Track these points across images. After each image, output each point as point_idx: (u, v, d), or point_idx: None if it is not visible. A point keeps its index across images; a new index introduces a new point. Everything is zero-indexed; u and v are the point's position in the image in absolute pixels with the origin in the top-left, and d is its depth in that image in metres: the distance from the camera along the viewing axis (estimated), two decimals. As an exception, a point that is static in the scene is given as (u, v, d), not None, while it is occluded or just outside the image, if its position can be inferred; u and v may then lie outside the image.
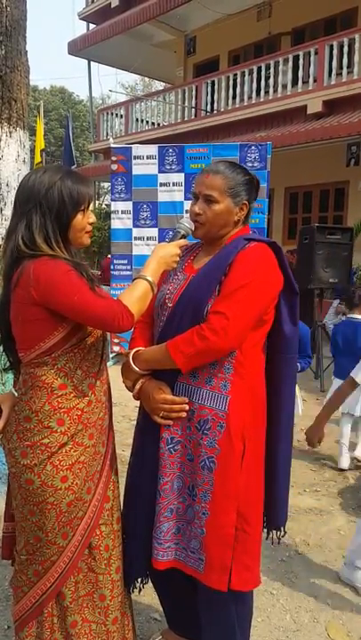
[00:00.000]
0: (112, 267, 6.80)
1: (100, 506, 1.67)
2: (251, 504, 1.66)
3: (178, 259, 1.73)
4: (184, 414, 1.64)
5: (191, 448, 1.64)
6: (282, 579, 2.62)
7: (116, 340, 6.44)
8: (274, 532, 1.88)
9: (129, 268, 6.84)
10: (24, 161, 3.07)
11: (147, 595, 2.16)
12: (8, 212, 2.91)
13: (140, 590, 1.82)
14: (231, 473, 1.60)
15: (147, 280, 1.61)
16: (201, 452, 1.61)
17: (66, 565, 1.62)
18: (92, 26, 15.40)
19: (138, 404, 1.80)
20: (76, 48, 15.16)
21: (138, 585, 1.80)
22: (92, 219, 1.66)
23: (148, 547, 1.70)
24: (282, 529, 1.87)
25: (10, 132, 2.93)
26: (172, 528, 1.68)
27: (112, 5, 14.29)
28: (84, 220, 1.63)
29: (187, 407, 1.63)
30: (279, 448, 1.78)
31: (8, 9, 2.85)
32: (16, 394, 1.67)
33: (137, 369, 1.69)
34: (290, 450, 1.83)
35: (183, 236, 1.77)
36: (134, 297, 1.57)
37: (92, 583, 1.68)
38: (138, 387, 1.71)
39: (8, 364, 1.74)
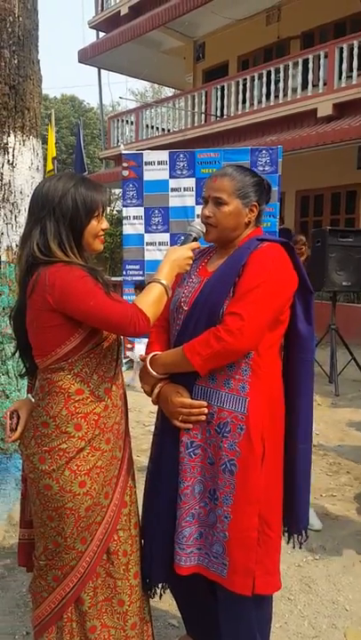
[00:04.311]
0: (124, 272, 6.84)
1: (117, 511, 1.67)
2: (272, 507, 1.66)
3: (191, 261, 1.73)
4: (203, 417, 1.63)
5: (211, 451, 1.64)
6: (299, 584, 2.60)
7: (128, 346, 6.46)
8: (295, 536, 1.86)
9: (141, 273, 6.87)
10: (37, 169, 3.10)
11: (164, 600, 2.15)
12: (22, 219, 2.94)
13: (160, 596, 1.82)
14: (252, 475, 1.59)
15: (161, 283, 1.62)
16: (222, 455, 1.61)
17: (85, 570, 1.62)
18: (101, 34, 15.53)
19: (152, 410, 1.80)
20: (87, 56, 15.29)
21: (159, 590, 1.79)
22: (105, 225, 1.68)
23: (169, 552, 1.70)
24: (303, 533, 1.86)
25: (23, 141, 2.96)
26: (193, 533, 1.68)
27: (121, 13, 14.42)
28: (98, 227, 1.64)
29: (206, 410, 1.63)
30: (298, 450, 1.77)
31: (20, 19, 2.89)
32: (33, 399, 1.68)
33: (154, 373, 1.70)
34: (310, 451, 1.81)
35: (195, 239, 1.78)
36: (149, 301, 1.57)
37: (111, 588, 1.68)
38: (156, 391, 1.71)
39: (24, 370, 1.76)
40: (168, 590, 1.89)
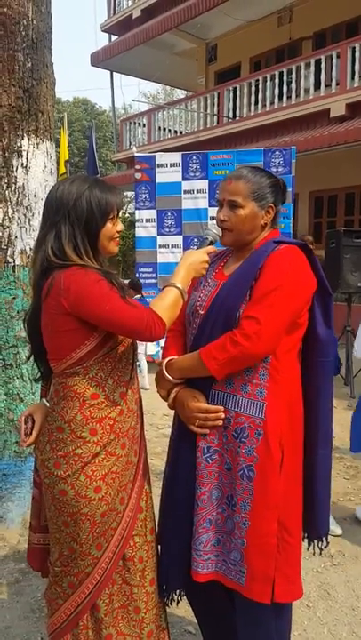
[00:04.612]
0: (137, 274, 6.83)
1: (133, 516, 1.65)
2: (291, 513, 1.62)
3: (207, 265, 1.71)
4: (220, 423, 1.61)
5: (229, 457, 1.61)
6: (318, 590, 2.56)
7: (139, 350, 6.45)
8: (315, 542, 1.82)
9: (154, 275, 6.87)
10: (51, 172, 3.10)
11: (180, 606, 2.13)
12: (36, 222, 2.94)
13: (177, 603, 1.79)
14: (271, 481, 1.56)
15: (177, 287, 1.60)
16: (239, 460, 1.58)
17: (100, 577, 1.60)
18: (114, 37, 15.60)
19: (166, 412, 1.77)
20: (99, 59, 15.37)
21: (176, 597, 1.77)
22: (120, 226, 1.66)
23: (186, 558, 1.67)
24: (324, 539, 1.82)
25: (37, 144, 2.96)
26: (211, 539, 1.65)
27: (133, 16, 14.47)
28: (113, 229, 1.63)
29: (223, 415, 1.60)
30: (318, 454, 1.73)
31: (34, 22, 2.89)
32: (47, 404, 1.67)
33: (171, 378, 1.68)
34: (330, 456, 1.77)
35: (211, 243, 1.75)
36: (165, 305, 1.55)
37: (127, 595, 1.66)
38: (172, 396, 1.69)
39: (39, 374, 1.74)
40: (184, 596, 1.87)
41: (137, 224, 6.79)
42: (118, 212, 1.64)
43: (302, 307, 1.63)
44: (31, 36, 2.87)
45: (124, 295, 1.52)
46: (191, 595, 1.85)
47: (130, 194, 17.91)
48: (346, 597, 2.52)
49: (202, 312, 1.70)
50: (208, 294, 1.72)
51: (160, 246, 6.78)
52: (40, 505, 1.78)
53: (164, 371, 1.69)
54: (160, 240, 6.79)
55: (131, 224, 11.53)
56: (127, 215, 15.50)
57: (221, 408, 1.61)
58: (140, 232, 6.81)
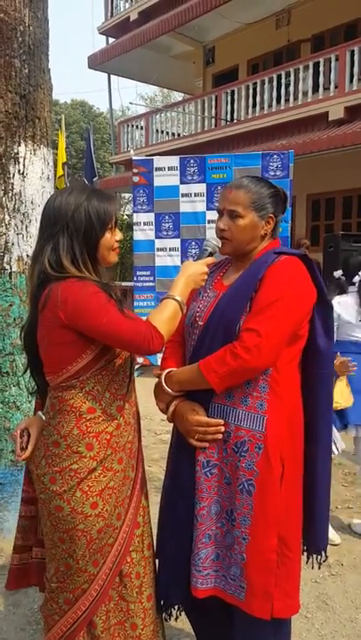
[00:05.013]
0: (135, 278, 6.81)
1: (130, 532, 1.63)
2: (291, 527, 1.61)
3: (206, 277, 1.69)
4: (220, 436, 1.59)
5: (229, 471, 1.59)
6: (316, 601, 2.54)
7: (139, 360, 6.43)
8: (314, 556, 1.81)
9: (152, 279, 6.84)
10: (48, 178, 3.07)
11: (178, 620, 2.10)
12: (33, 229, 2.91)
13: (176, 618, 1.77)
14: (271, 496, 1.54)
15: (175, 300, 1.58)
16: (239, 474, 1.56)
17: (97, 593, 1.58)
18: (111, 40, 15.57)
19: (163, 417, 1.75)
20: (96, 62, 15.34)
21: (175, 612, 1.74)
22: (120, 236, 1.64)
23: (185, 573, 1.65)
24: (323, 553, 1.80)
25: (34, 150, 2.93)
26: (210, 554, 1.63)
27: (131, 19, 14.44)
28: (112, 239, 1.61)
29: (222, 429, 1.58)
30: (317, 468, 1.71)
31: (31, 28, 2.87)
32: (43, 417, 1.64)
33: (170, 390, 1.65)
34: (329, 469, 1.76)
35: (210, 254, 1.73)
36: (164, 318, 1.53)
37: (124, 612, 1.64)
38: (171, 409, 1.67)
39: (35, 387, 1.72)
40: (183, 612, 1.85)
41: (135, 227, 6.76)
42: (116, 222, 1.62)
43: (303, 318, 1.62)
44: (28, 41, 2.85)
45: (121, 308, 1.50)
46: (190, 609, 1.83)
47: (128, 195, 17.91)
48: (344, 608, 2.50)
49: (201, 323, 1.68)
50: (207, 305, 1.70)
51: (158, 249, 6.75)
52: (28, 522, 1.76)
53: (163, 383, 1.66)
54: (158, 243, 6.76)
55: (129, 226, 11.51)
56: (125, 217, 15.47)
57: (221, 422, 1.59)
58: (138, 235, 6.78)
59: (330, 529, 2.81)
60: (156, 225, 6.76)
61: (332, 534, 2.99)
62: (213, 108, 12.64)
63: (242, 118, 11.86)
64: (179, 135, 13.97)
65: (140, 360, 6.49)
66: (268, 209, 1.68)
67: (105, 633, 1.61)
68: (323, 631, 2.35)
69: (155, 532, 1.80)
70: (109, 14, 15.62)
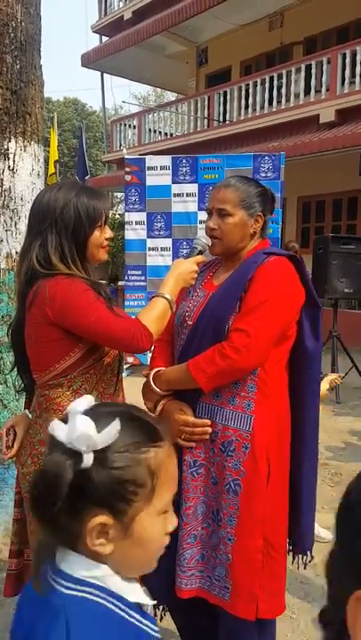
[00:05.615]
0: (126, 277, 6.80)
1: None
2: (276, 527, 1.61)
3: (196, 275, 1.69)
4: (207, 436, 1.59)
5: (215, 471, 1.59)
6: (301, 602, 2.54)
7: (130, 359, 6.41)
8: (300, 556, 1.81)
9: (143, 278, 6.83)
10: (38, 175, 3.06)
11: (163, 620, 2.10)
12: (22, 226, 2.89)
13: (160, 618, 1.76)
14: (257, 496, 1.55)
15: (165, 298, 1.57)
16: (226, 474, 1.56)
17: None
18: (104, 38, 15.53)
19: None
20: (90, 60, 15.29)
21: (159, 613, 1.74)
22: (109, 234, 1.63)
23: (170, 573, 1.64)
24: (308, 553, 1.80)
25: (24, 146, 2.92)
26: (195, 555, 1.62)
27: (125, 18, 14.42)
28: (102, 236, 1.60)
29: (209, 429, 1.58)
30: (303, 468, 1.72)
31: (23, 24, 2.85)
32: (30, 416, 1.63)
33: (158, 390, 1.65)
34: (315, 470, 1.76)
35: (200, 252, 1.74)
36: (153, 316, 1.53)
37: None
38: (159, 408, 1.66)
39: (23, 385, 1.71)
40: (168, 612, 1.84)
41: (126, 226, 6.75)
42: (106, 220, 1.61)
43: (292, 319, 1.62)
44: (20, 37, 2.83)
45: (110, 306, 1.49)
46: (175, 610, 1.82)
47: (120, 194, 17.88)
48: (330, 608, 2.50)
49: (190, 323, 1.68)
50: (197, 305, 1.70)
51: (149, 249, 6.75)
52: (21, 525, 1.74)
53: (152, 382, 1.66)
54: (149, 243, 6.75)
55: (120, 225, 11.49)
56: (117, 216, 15.44)
57: (208, 422, 1.59)
58: (130, 234, 6.77)
59: (317, 527, 2.82)
60: (147, 224, 6.76)
61: (326, 533, 3.00)
62: (206, 109, 12.65)
63: (234, 119, 11.88)
64: (171, 135, 13.96)
65: (130, 359, 6.48)
66: (257, 207, 1.69)
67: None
68: (308, 632, 2.35)
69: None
70: (103, 13, 15.59)
